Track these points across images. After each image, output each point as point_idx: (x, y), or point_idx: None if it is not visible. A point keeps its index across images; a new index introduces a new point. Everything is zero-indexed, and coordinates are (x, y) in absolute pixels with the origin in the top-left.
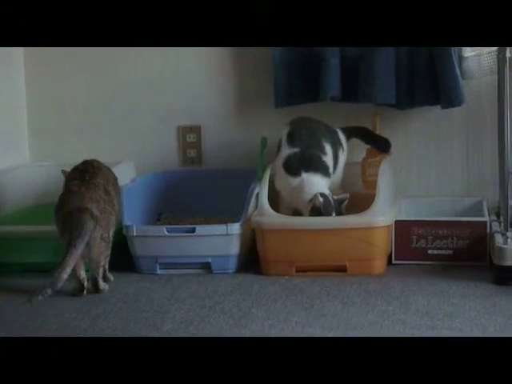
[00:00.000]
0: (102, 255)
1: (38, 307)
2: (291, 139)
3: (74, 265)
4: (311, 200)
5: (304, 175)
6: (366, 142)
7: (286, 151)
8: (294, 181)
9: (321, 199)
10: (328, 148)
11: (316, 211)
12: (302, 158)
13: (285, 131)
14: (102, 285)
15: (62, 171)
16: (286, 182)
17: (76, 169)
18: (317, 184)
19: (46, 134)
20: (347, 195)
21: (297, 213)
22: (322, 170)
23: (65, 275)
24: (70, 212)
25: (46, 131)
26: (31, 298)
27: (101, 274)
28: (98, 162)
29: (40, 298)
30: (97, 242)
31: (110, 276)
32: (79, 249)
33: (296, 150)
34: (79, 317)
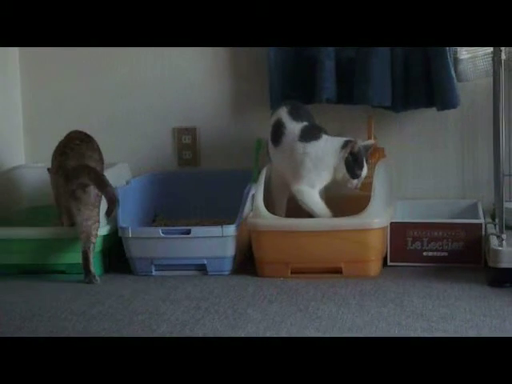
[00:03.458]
0: (94, 226)
1: (33, 308)
2: (296, 114)
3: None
4: (344, 146)
5: (324, 136)
6: None
7: (295, 126)
8: (316, 144)
9: (359, 143)
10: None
11: (353, 156)
12: (316, 127)
13: (283, 110)
14: (93, 269)
15: (48, 169)
16: (307, 149)
17: (70, 137)
18: (335, 147)
19: (41, 135)
20: (372, 142)
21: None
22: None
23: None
24: (87, 167)
25: (42, 132)
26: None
27: (92, 252)
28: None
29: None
30: (99, 202)
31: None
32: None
33: (305, 123)
34: (74, 318)
